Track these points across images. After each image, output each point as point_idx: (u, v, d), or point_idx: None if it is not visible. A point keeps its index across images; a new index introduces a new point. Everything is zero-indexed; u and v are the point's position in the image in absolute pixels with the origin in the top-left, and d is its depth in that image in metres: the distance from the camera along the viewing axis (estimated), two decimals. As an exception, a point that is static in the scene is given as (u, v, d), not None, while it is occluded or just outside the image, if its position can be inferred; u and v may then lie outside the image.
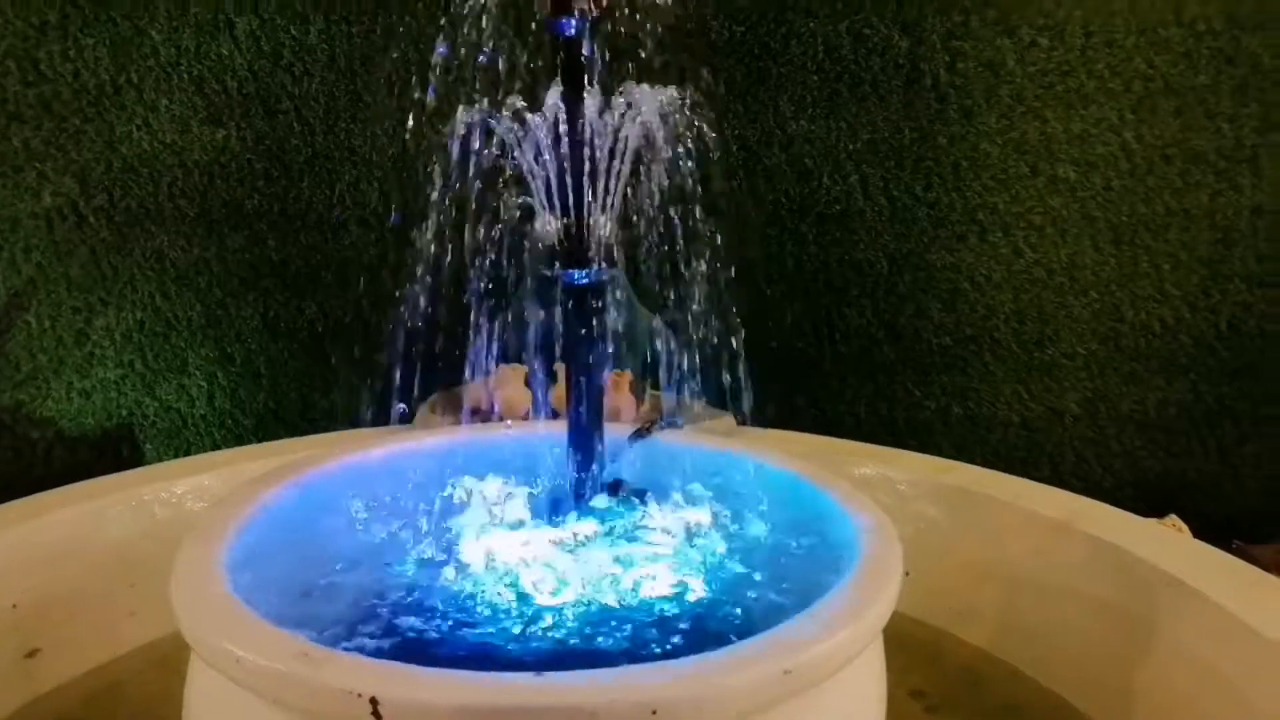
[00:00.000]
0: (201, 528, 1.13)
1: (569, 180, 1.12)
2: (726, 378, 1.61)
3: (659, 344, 1.55)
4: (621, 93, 1.14)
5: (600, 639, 0.98)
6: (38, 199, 2.24)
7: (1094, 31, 2.14)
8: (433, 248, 1.37)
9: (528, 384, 1.78)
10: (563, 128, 1.10)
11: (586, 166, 1.12)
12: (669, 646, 0.96)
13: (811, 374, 2.33)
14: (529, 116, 1.20)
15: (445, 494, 1.28)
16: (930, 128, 2.20)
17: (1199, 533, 1.80)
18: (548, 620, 1.01)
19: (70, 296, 2.29)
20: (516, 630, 1.00)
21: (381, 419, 1.59)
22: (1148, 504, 2.07)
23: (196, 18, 2.18)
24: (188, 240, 2.30)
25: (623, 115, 1.15)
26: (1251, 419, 2.30)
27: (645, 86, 1.22)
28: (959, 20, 2.14)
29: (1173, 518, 2.01)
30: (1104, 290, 2.26)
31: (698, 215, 1.41)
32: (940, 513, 1.69)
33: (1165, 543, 1.51)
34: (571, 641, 0.98)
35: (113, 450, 2.35)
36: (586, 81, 1.11)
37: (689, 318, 1.51)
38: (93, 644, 1.49)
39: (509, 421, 1.70)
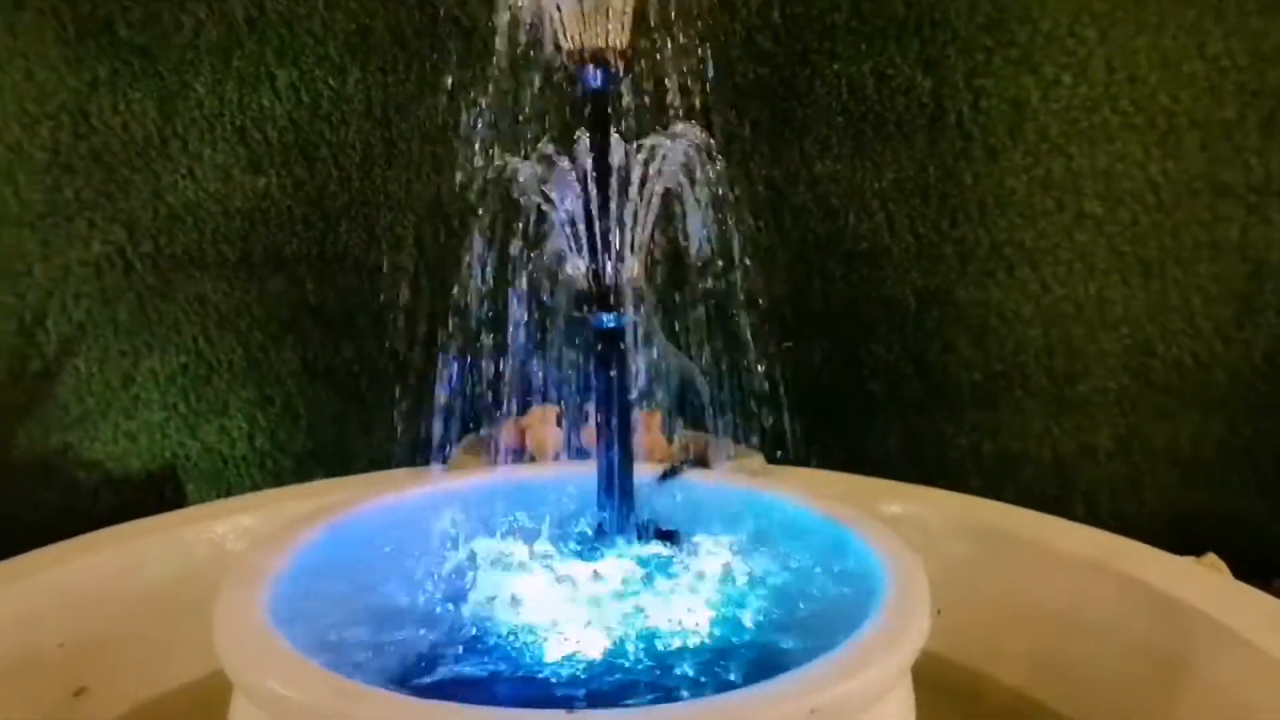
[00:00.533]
0: (243, 568, 1.16)
1: (596, 226, 1.15)
2: (756, 416, 1.64)
3: (689, 383, 1.58)
4: (644, 143, 1.18)
5: (630, 677, 1.00)
6: (87, 247, 2.32)
7: (1116, 68, 2.15)
8: (465, 291, 1.41)
9: (559, 424, 1.81)
10: (590, 175, 1.13)
11: (613, 213, 1.15)
12: (697, 685, 0.97)
13: (841, 411, 2.34)
14: (558, 163, 1.24)
15: (478, 534, 1.30)
16: (955, 165, 2.22)
17: (1239, 571, 1.78)
18: (579, 659, 1.03)
19: (117, 341, 2.37)
20: (548, 669, 1.02)
21: (417, 460, 1.63)
22: (1185, 541, 2.04)
23: (239, 71, 2.26)
24: (229, 285, 2.37)
25: (647, 162, 1.18)
26: (1290, 453, 2.28)
27: (672, 132, 1.25)
28: (981, 59, 2.16)
29: (1210, 556, 1.98)
30: (1134, 325, 2.26)
31: (725, 255, 1.44)
32: (972, 551, 1.68)
33: (1199, 581, 1.50)
34: (602, 680, 0.99)
35: (156, 491, 2.41)
36: (612, 130, 1.15)
37: (718, 357, 1.54)
38: (138, 682, 1.53)
39: (540, 462, 1.74)
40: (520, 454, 1.83)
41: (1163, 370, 2.27)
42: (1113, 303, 2.26)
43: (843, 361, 2.33)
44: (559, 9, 1.10)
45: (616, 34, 1.10)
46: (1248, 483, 2.29)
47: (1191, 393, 2.28)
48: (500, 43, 1.23)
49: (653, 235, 1.31)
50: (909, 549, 1.17)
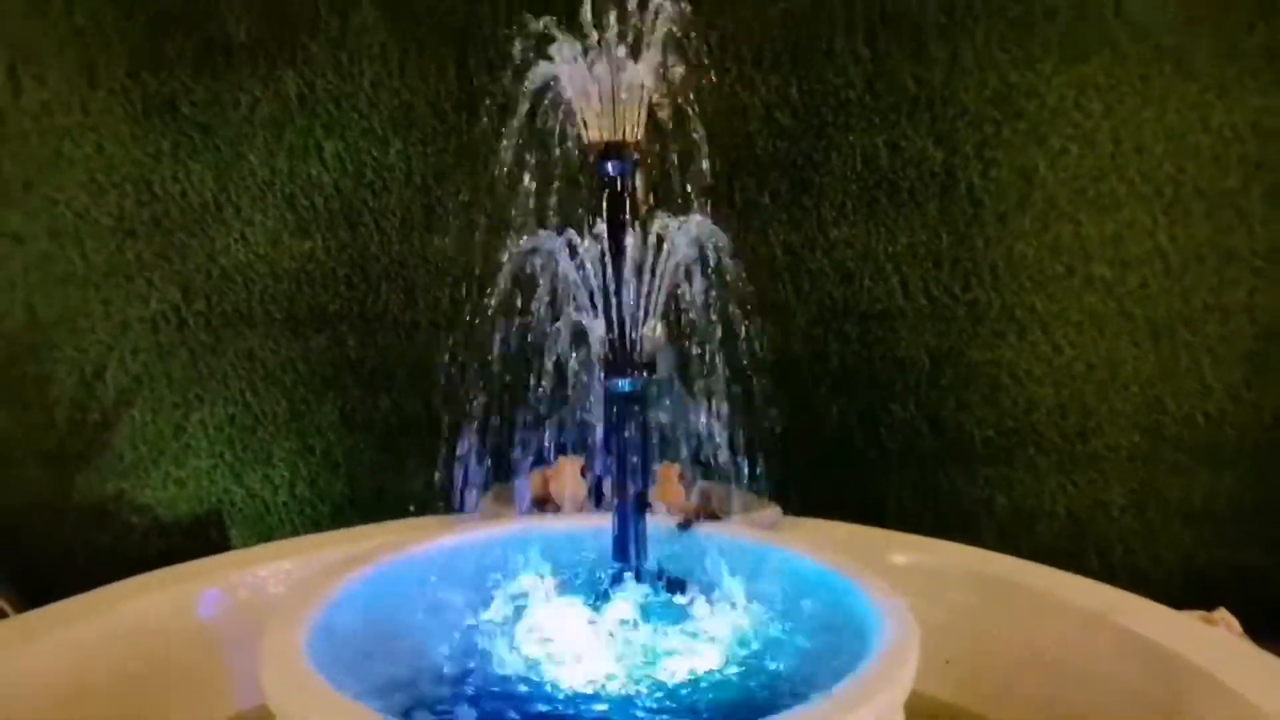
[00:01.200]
0: (285, 610, 1.26)
1: (612, 300, 1.25)
2: (773, 470, 1.72)
3: (706, 438, 1.67)
4: (655, 226, 1.28)
5: (637, 715, 1.08)
6: (146, 305, 2.48)
7: (1123, 139, 2.24)
8: (496, 352, 1.52)
9: (584, 475, 1.91)
10: (606, 254, 1.24)
11: (629, 290, 1.26)
12: (697, 724, 1.06)
13: (858, 466, 2.41)
14: (579, 242, 1.35)
15: (503, 579, 1.40)
16: (967, 231, 2.31)
17: (1252, 625, 1.81)
18: (591, 697, 1.12)
19: (170, 393, 2.51)
20: (563, 706, 1.11)
21: (448, 508, 1.72)
22: (1198, 595, 2.07)
23: (290, 143, 2.42)
24: (276, 341, 2.51)
25: (661, 242, 1.29)
26: (1303, 510, 2.31)
27: (689, 218, 1.35)
28: (991, 131, 2.26)
29: (1222, 611, 2.01)
30: (1145, 384, 2.31)
31: (743, 319, 1.54)
32: (978, 601, 1.75)
33: (1197, 636, 1.55)
34: (612, 717, 1.08)
35: (203, 534, 2.53)
36: (628, 215, 1.26)
37: (736, 413, 1.63)
38: (183, 715, 1.62)
39: (563, 512, 1.83)
40: (546, 504, 1.92)
41: (1174, 428, 2.33)
42: (1123, 363, 2.32)
43: (859, 418, 2.41)
44: (580, 106, 1.21)
45: (632, 128, 1.22)
46: (1260, 538, 2.32)
47: (1203, 450, 2.33)
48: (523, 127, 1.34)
49: (670, 306, 1.41)
50: (901, 599, 1.24)
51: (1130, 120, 2.24)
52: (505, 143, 1.42)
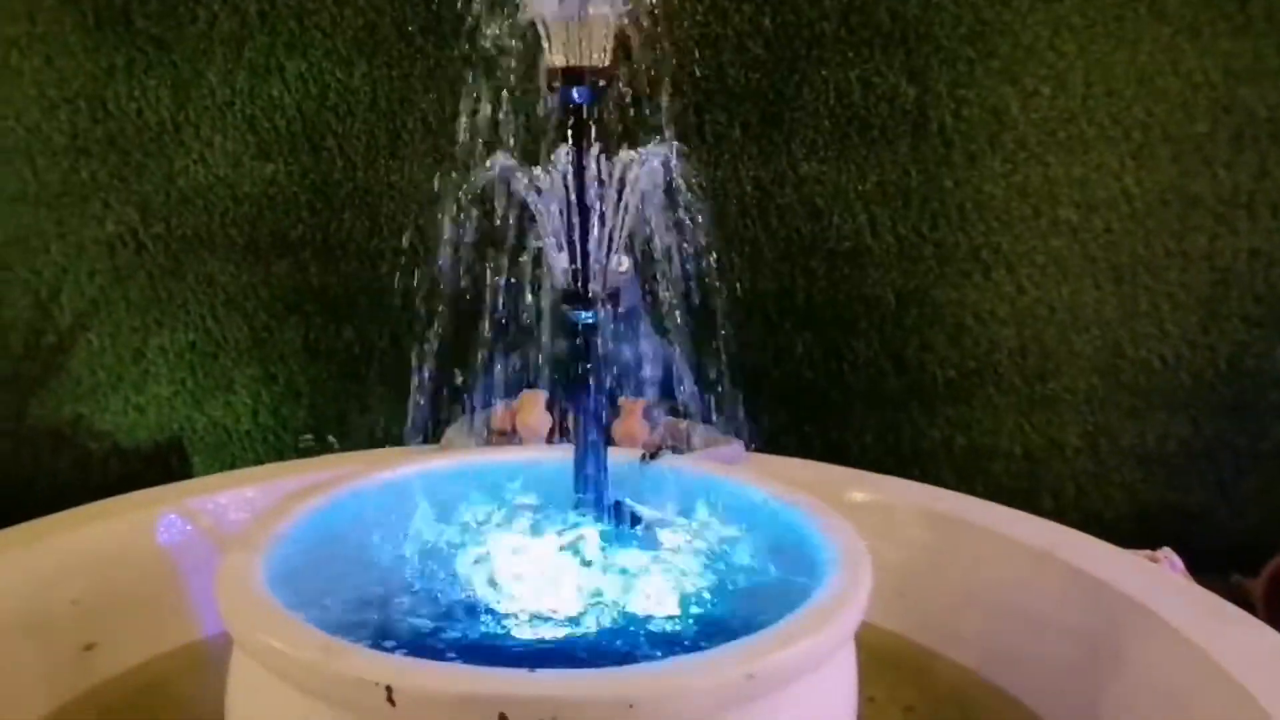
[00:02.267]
0: (244, 536, 1.26)
1: (575, 231, 1.24)
2: (736, 405, 1.73)
3: (672, 373, 1.67)
4: (621, 156, 1.26)
5: (589, 643, 1.10)
6: (101, 226, 2.42)
7: (1094, 81, 2.23)
8: (460, 282, 1.50)
9: (548, 408, 1.91)
10: (569, 183, 1.23)
11: (593, 219, 1.25)
12: (649, 652, 1.08)
13: (820, 403, 2.43)
14: (543, 170, 1.33)
15: (463, 510, 1.41)
16: (936, 171, 2.30)
17: (1197, 565, 1.86)
18: (545, 626, 1.14)
19: (128, 318, 2.47)
20: (517, 634, 1.12)
21: (411, 439, 1.72)
22: (1147, 536, 2.12)
23: (250, 61, 2.36)
24: (237, 267, 2.47)
25: (625, 169, 1.27)
26: (1250, 454, 2.37)
27: (657, 148, 1.33)
28: (964, 70, 2.25)
29: (1166, 550, 2.07)
30: (1105, 327, 2.35)
31: (710, 253, 1.53)
32: (931, 539, 1.78)
33: (1141, 574, 1.59)
34: (564, 645, 1.10)
35: (163, 462, 2.52)
36: (593, 142, 1.24)
37: (702, 348, 1.63)
38: (144, 640, 1.62)
39: (527, 444, 1.84)
40: (510, 436, 1.92)
41: (1131, 371, 2.37)
42: (1084, 306, 2.35)
43: (823, 355, 2.42)
44: (545, 27, 1.19)
45: (599, 54, 1.19)
46: (1208, 481, 2.38)
47: (1158, 394, 2.37)
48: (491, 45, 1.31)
49: (635, 239, 1.40)
50: (856, 533, 1.26)
51: (1103, 62, 2.23)
52: (466, 66, 1.39)
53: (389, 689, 0.93)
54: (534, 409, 1.90)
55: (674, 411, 1.90)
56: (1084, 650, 1.52)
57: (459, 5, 2.22)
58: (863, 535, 1.28)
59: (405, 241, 2.41)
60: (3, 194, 2.40)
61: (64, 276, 2.44)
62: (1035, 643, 1.60)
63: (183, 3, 2.30)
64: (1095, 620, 1.51)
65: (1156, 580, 1.54)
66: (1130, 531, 2.07)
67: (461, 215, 1.45)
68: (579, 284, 1.28)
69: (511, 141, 1.40)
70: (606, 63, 1.21)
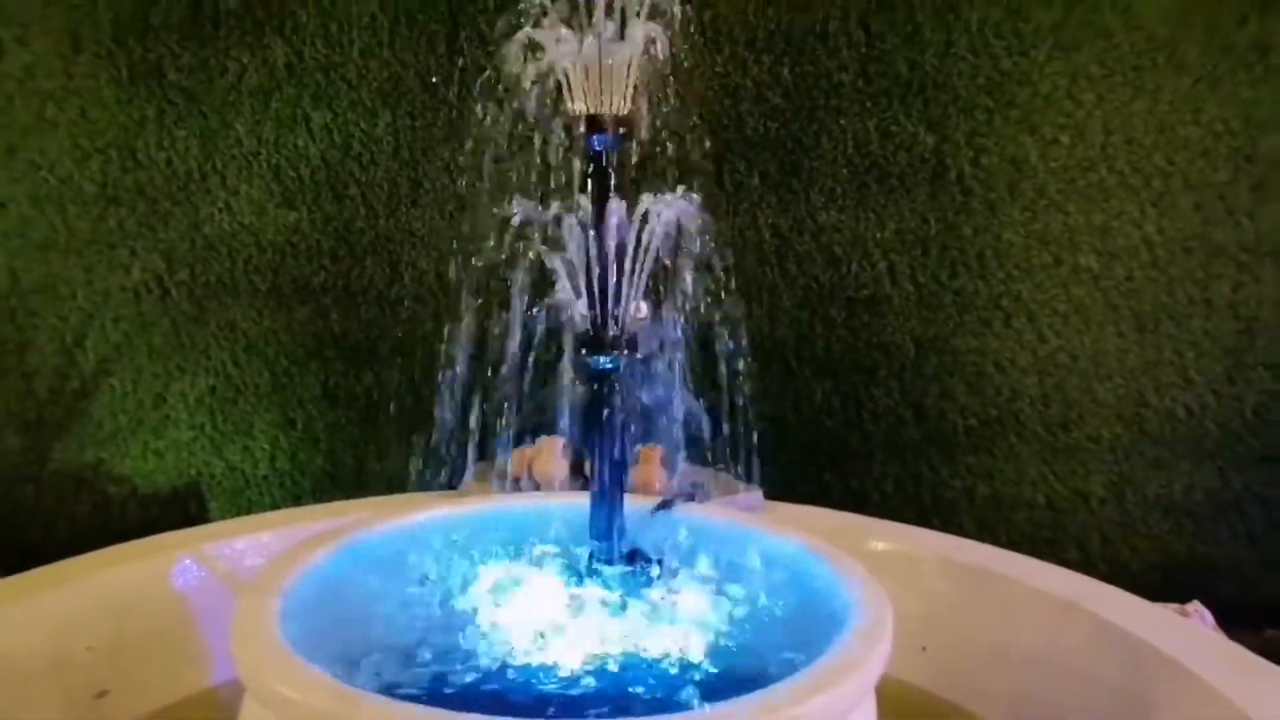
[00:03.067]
0: (259, 582, 1.26)
1: (595, 277, 1.25)
2: (755, 454, 1.72)
3: (690, 420, 1.66)
4: (642, 202, 1.27)
5: (606, 693, 1.08)
6: (128, 274, 2.46)
7: (1114, 130, 2.24)
8: (478, 328, 1.51)
9: (564, 455, 1.90)
10: (589, 230, 1.23)
11: (612, 266, 1.25)
12: (667, 703, 1.05)
13: (839, 452, 2.41)
14: (564, 217, 1.34)
15: (479, 557, 1.39)
16: (955, 219, 2.30)
17: (1226, 619, 1.82)
18: (561, 675, 1.12)
19: (150, 364, 2.49)
20: (532, 683, 1.10)
21: (429, 485, 1.72)
22: (1175, 588, 2.08)
23: (277, 112, 2.40)
24: (259, 313, 2.49)
25: (645, 218, 1.28)
26: (1280, 505, 2.32)
27: (676, 196, 1.34)
28: (983, 119, 2.26)
29: (1195, 604, 2.02)
30: (1128, 376, 2.32)
31: (729, 301, 1.53)
32: (954, 589, 1.75)
33: (1172, 627, 1.55)
34: (580, 695, 1.08)
35: (181, 506, 2.52)
36: (613, 190, 1.25)
37: (720, 395, 1.62)
38: (157, 687, 1.61)
39: (543, 490, 1.83)
40: (528, 481, 1.91)
41: (1156, 421, 2.34)
42: (1107, 354, 2.32)
43: (842, 403, 2.41)
44: (566, 77, 1.20)
45: (619, 101, 1.20)
46: (1237, 532, 2.34)
47: (1184, 444, 2.34)
48: (516, 100, 1.33)
49: (653, 286, 1.41)
50: (878, 584, 1.24)
51: (1121, 111, 2.24)
52: (487, 114, 1.40)
53: (401, 739, 0.91)
54: (551, 455, 1.89)
55: (692, 459, 1.88)
56: (1113, 705, 1.48)
57: (480, 57, 2.30)
58: (884, 585, 1.26)
59: (425, 288, 2.43)
60: (33, 241, 2.44)
61: (89, 323, 2.47)
62: (1062, 697, 1.56)
63: (214, 56, 2.36)
64: (1125, 674, 1.47)
65: (1188, 634, 1.51)
66: (1158, 584, 2.02)
67: (481, 262, 1.46)
68: (598, 329, 1.28)
69: (531, 188, 1.41)
70: (627, 110, 1.22)
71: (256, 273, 2.47)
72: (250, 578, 1.39)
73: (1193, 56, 2.19)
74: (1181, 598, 1.99)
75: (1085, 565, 1.90)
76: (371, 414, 2.50)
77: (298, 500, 2.53)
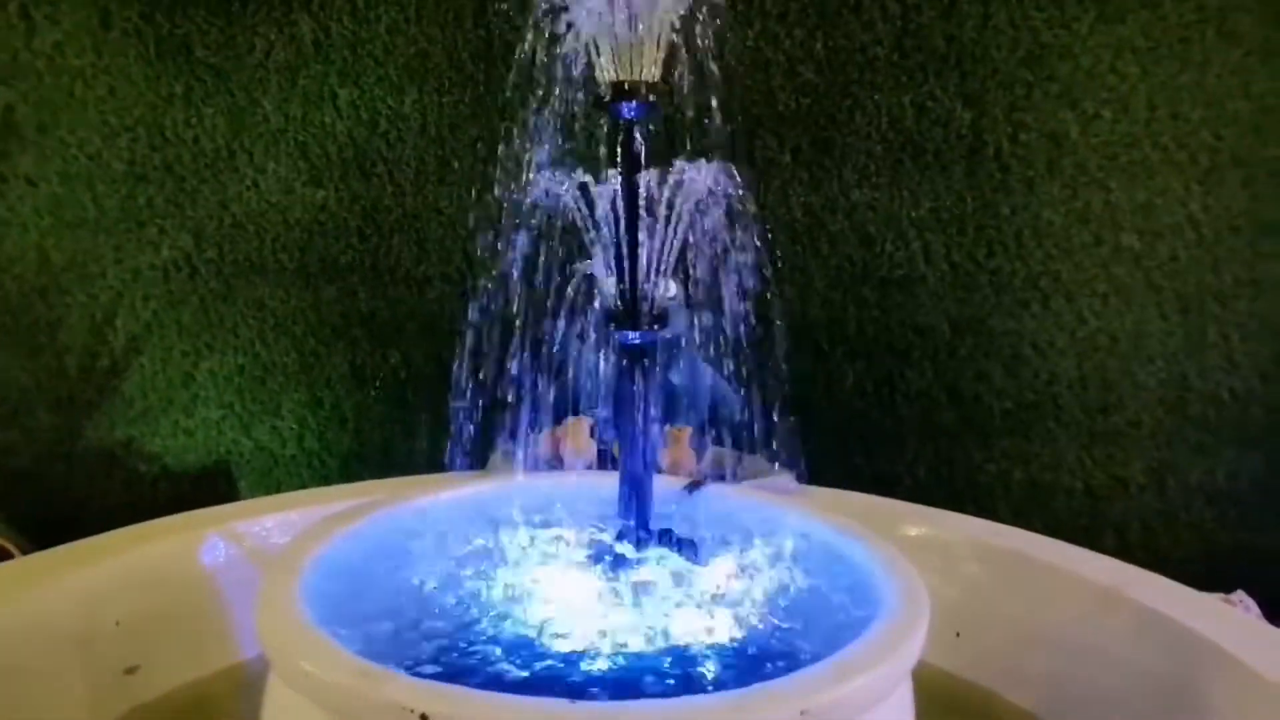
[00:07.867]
0: (284, 559, 1.25)
1: (624, 249, 1.22)
2: (787, 435, 1.68)
3: (721, 400, 1.63)
4: (672, 172, 1.24)
5: (636, 675, 1.05)
6: (157, 252, 2.46)
7: (1158, 104, 2.17)
8: (507, 306, 1.49)
9: (593, 435, 1.88)
10: (619, 201, 1.20)
11: (642, 238, 1.22)
12: (698, 685, 1.03)
13: (872, 435, 2.37)
14: (593, 188, 1.31)
15: (506, 536, 1.37)
16: (993, 197, 2.24)
17: (1274, 610, 1.78)
18: (589, 656, 1.09)
19: (180, 342, 2.49)
20: (559, 664, 1.08)
21: (456, 465, 1.70)
22: (1219, 578, 2.03)
23: (304, 89, 2.38)
24: (287, 291, 2.48)
25: (676, 188, 1.25)
26: (1329, 494, 2.25)
27: (701, 162, 1.31)
28: (1021, 93, 2.20)
29: (1240, 593, 1.97)
30: (1170, 359, 2.26)
31: (759, 279, 1.49)
32: (990, 575, 1.71)
33: (1214, 614, 1.51)
34: (609, 676, 1.05)
35: (210, 485, 2.53)
36: (643, 159, 1.22)
37: (750, 376, 1.59)
38: (185, 663, 1.61)
39: (570, 471, 1.81)
40: (555, 462, 1.90)
41: (1199, 405, 2.27)
42: (1149, 336, 2.26)
43: (875, 386, 2.36)
44: (595, 44, 1.17)
45: (650, 68, 1.17)
46: (1282, 521, 2.27)
47: (1228, 429, 2.27)
48: (544, 70, 1.30)
49: (686, 256, 1.37)
50: (913, 568, 1.21)
51: (1167, 84, 2.16)
52: (517, 81, 1.37)
53: (424, 716, 0.89)
54: (579, 435, 1.87)
55: (721, 441, 1.85)
56: (1155, 694, 1.44)
57: (508, 31, 2.27)
58: (918, 571, 1.23)
59: (453, 266, 2.41)
60: (64, 220, 2.44)
61: (119, 301, 2.48)
62: (1102, 685, 1.52)
63: (241, 33, 2.34)
64: (1168, 661, 1.43)
65: (1234, 622, 1.46)
66: (1200, 573, 1.95)
67: (508, 238, 1.44)
68: (627, 304, 1.25)
69: (560, 161, 1.38)
70: (657, 78, 1.19)
71: (284, 251, 2.46)
72: (276, 555, 1.38)
73: (1244, 27, 2.11)
74: (1225, 588, 1.93)
75: (1124, 553, 1.84)
76: (399, 393, 2.49)
77: (325, 480, 2.52)
